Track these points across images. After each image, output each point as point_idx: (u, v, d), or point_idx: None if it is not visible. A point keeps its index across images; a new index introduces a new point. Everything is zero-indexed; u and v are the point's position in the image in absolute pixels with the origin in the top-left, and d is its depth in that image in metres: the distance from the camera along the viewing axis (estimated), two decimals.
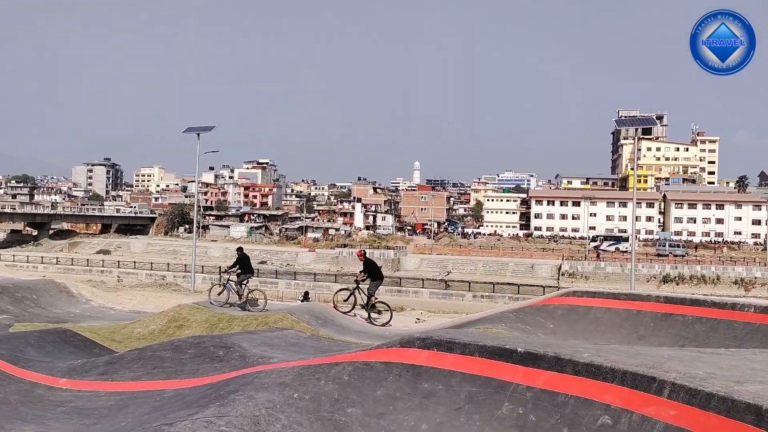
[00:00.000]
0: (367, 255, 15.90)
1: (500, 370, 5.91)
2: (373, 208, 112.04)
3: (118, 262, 65.19)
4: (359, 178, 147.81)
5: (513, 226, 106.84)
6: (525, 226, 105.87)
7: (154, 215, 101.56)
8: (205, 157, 31.11)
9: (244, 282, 15.17)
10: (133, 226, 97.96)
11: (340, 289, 16.33)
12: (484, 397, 5.83)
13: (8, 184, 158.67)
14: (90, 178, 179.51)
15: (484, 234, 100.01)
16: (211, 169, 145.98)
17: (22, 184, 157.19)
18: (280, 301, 28.29)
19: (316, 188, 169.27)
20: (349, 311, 15.03)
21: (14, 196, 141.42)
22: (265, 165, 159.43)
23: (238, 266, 15.19)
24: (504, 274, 60.81)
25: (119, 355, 9.19)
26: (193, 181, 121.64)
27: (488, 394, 5.77)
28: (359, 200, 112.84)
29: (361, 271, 15.22)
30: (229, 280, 15.34)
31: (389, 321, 14.99)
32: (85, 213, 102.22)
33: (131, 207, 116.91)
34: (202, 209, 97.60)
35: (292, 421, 5.76)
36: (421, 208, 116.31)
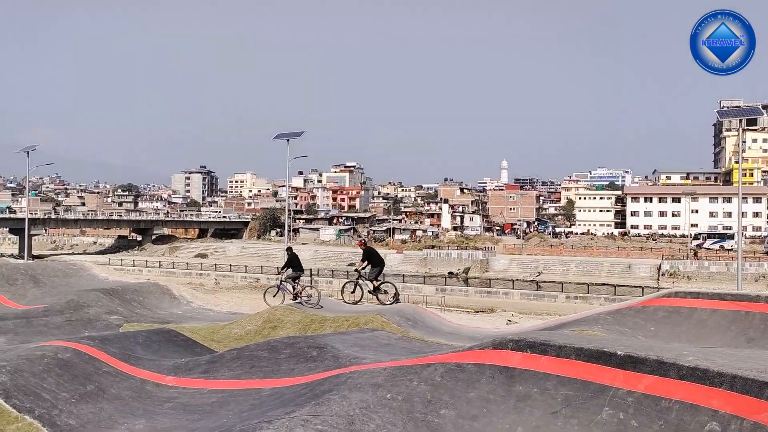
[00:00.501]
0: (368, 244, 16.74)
1: (598, 374, 5.74)
2: (460, 209, 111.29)
3: (215, 265, 67.89)
4: (446, 179, 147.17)
5: (607, 225, 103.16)
6: (620, 224, 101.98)
7: (247, 220, 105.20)
8: (295, 162, 31.93)
9: (296, 279, 15.70)
10: (228, 231, 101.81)
11: (346, 283, 16.39)
12: (582, 402, 5.67)
13: (115, 193, 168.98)
14: (188, 185, 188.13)
15: (577, 233, 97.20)
16: (300, 173, 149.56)
17: (127, 193, 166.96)
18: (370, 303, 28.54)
19: (402, 190, 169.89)
20: (358, 301, 15.48)
21: (120, 204, 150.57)
22: (352, 168, 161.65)
23: (288, 266, 15.71)
24: (599, 275, 58.81)
25: (219, 354, 9.57)
26: (284, 186, 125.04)
27: (586, 399, 5.62)
28: (446, 201, 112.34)
29: (361, 260, 15.79)
30: (282, 281, 15.83)
31: (396, 298, 15.58)
32: (183, 219, 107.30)
33: (218, 211, 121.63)
34: (292, 213, 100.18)
35: (386, 422, 5.81)
36: (510, 208, 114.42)
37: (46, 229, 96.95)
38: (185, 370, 8.57)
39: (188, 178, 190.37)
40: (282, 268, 16.17)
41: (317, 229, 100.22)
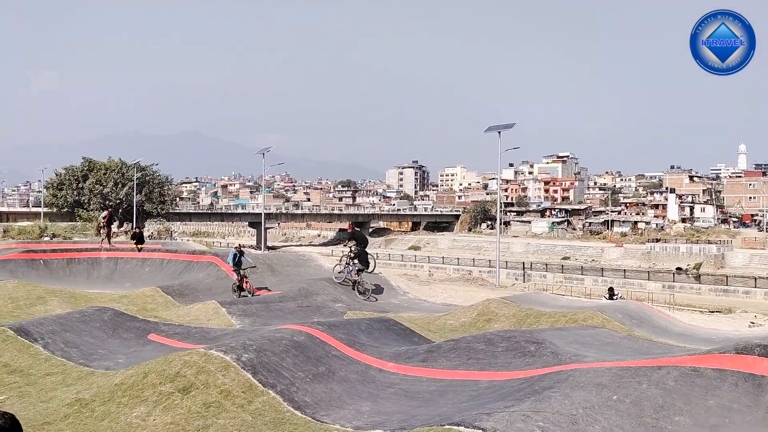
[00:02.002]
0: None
1: None
2: (689, 199, 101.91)
3: (428, 257, 69.84)
4: (672, 167, 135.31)
5: None
6: None
7: (457, 213, 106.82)
8: (505, 154, 31.62)
9: (360, 271, 17.79)
10: (439, 224, 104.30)
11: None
12: None
13: (336, 189, 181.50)
14: (401, 180, 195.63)
15: None
16: (511, 165, 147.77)
17: (346, 188, 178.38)
18: (588, 299, 27.39)
19: (621, 180, 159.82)
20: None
21: (340, 199, 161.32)
22: (565, 158, 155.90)
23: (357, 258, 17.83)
24: None
25: (436, 344, 9.79)
26: (494, 179, 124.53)
27: None
28: (672, 191, 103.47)
29: (348, 239, 18.82)
30: (351, 263, 17.90)
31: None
32: (397, 212, 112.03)
33: (429, 205, 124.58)
34: (502, 205, 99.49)
35: (612, 424, 5.50)
36: (750, 197, 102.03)
37: (278, 223, 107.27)
38: (405, 357, 8.89)
39: (401, 173, 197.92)
40: (352, 258, 18.07)
41: (529, 222, 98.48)
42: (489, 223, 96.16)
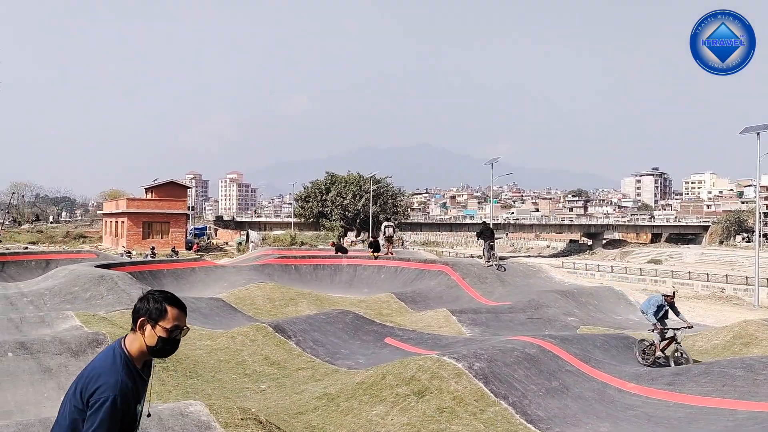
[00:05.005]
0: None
1: None
2: None
3: (671, 271, 64.12)
4: None
5: None
6: None
7: (706, 224, 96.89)
8: (765, 158, 27.83)
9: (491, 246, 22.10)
10: (684, 236, 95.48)
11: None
12: None
13: (566, 199, 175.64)
14: (638, 188, 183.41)
15: None
16: None
17: (577, 198, 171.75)
18: None
19: None
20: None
21: (571, 209, 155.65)
22: None
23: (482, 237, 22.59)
24: None
25: (685, 367, 8.94)
26: (752, 185, 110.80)
27: None
28: None
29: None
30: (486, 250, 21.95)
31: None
32: (634, 223, 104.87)
33: (671, 215, 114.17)
34: (762, 215, 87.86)
35: None
36: None
37: (506, 234, 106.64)
38: (648, 379, 8.24)
39: (638, 181, 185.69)
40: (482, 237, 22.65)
41: None
42: (745, 235, 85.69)
